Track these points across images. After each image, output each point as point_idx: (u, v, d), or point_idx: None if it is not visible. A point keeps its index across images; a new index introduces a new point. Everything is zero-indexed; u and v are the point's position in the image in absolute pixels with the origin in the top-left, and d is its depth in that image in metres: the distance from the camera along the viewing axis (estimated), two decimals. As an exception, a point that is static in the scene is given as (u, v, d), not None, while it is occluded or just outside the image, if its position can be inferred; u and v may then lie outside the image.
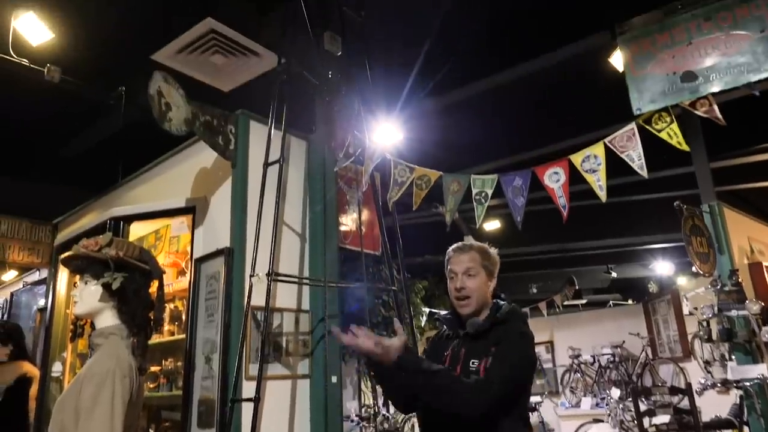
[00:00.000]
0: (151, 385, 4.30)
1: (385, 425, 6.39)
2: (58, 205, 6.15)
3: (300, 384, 3.61)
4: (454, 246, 2.28)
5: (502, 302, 2.21)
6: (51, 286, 5.29)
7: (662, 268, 10.66)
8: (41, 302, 6.50)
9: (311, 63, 3.91)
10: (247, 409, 3.18)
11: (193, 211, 3.94)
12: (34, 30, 4.83)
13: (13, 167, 7.19)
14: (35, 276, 6.93)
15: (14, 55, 4.96)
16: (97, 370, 2.03)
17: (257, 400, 3.12)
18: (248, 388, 3.23)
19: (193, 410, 3.48)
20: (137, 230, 4.63)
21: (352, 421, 6.34)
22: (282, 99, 3.70)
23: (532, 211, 3.56)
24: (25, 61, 5.07)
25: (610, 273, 11.57)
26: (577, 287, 10.72)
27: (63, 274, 5.14)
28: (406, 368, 1.92)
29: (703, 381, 5.20)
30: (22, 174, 7.35)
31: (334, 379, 3.60)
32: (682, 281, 9.67)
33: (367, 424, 6.26)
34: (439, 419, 2.05)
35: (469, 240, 2.42)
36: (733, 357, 5.09)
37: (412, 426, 8.36)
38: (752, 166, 7.13)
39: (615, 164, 3.30)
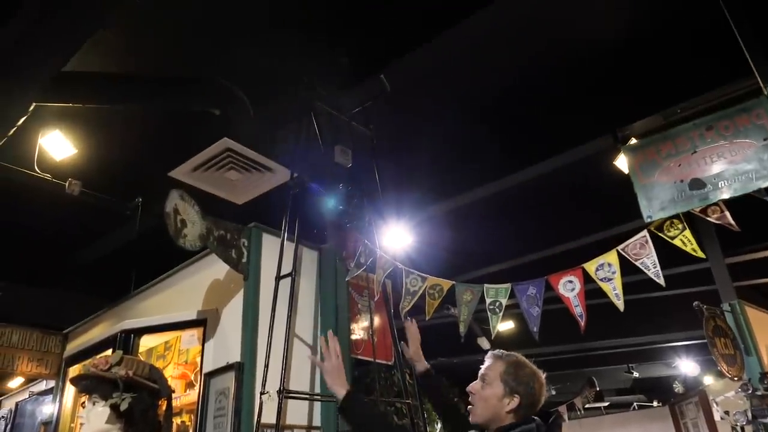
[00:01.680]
0: None
1: None
2: (69, 313, 6.14)
3: None
4: (491, 351, 2.21)
5: (520, 426, 2.00)
6: (58, 399, 5.16)
7: (686, 366, 10.23)
8: (45, 412, 6.33)
9: (322, 176, 4.02)
10: None
11: (204, 323, 3.90)
12: (59, 146, 5.05)
13: (27, 275, 7.27)
14: (41, 386, 6.79)
15: (38, 171, 5.15)
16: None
17: None
18: None
19: None
20: (147, 341, 4.58)
21: None
22: (294, 212, 3.77)
23: (547, 310, 3.49)
24: (48, 176, 5.25)
25: (632, 372, 11.12)
26: (598, 388, 10.26)
27: (71, 386, 5.04)
28: None
29: (744, 497, 4.86)
30: (35, 282, 7.42)
31: (347, 504, 3.39)
32: (709, 380, 9.26)
33: None
34: None
35: (505, 354, 2.29)
36: (775, 469, 4.78)
37: None
38: (771, 260, 7.03)
39: (630, 261, 3.26)
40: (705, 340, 5.22)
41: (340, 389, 2.21)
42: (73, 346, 5.59)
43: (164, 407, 2.48)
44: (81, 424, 2.32)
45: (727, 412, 5.64)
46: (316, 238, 4.12)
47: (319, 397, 3.63)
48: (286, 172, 4.06)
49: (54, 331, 6.16)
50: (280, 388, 3.28)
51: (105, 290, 6.00)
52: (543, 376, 2.14)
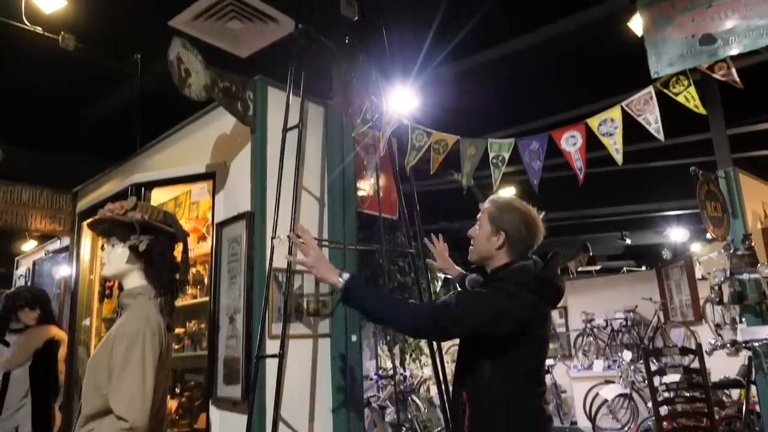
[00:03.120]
0: (176, 347, 4.43)
1: (401, 387, 6.58)
2: (77, 174, 6.22)
3: (321, 343, 3.72)
4: (490, 197, 2.35)
5: (518, 263, 2.17)
6: (74, 253, 5.40)
7: (676, 234, 10.67)
8: (63, 270, 6.62)
9: (328, 28, 3.91)
10: (271, 365, 3.30)
11: (213, 176, 4.00)
12: (46, -4, 4.81)
13: (31, 137, 7.27)
14: (56, 245, 7.05)
15: (28, 23, 4.97)
16: (128, 331, 2.13)
17: (282, 356, 3.22)
18: (272, 346, 3.35)
19: (218, 368, 3.61)
20: (157, 196, 4.71)
21: (371, 379, 6.55)
22: (299, 65, 3.72)
23: (547, 178, 3.59)
24: (39, 29, 5.07)
25: (625, 240, 11.59)
26: (591, 254, 10.75)
27: (86, 240, 5.24)
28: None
29: (713, 342, 5.28)
30: (40, 144, 7.44)
31: (354, 338, 3.70)
32: (696, 248, 9.69)
33: (385, 383, 6.47)
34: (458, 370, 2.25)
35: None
36: (743, 319, 5.16)
37: (428, 388, 8.58)
38: (769, 132, 7.06)
39: (632, 130, 3.31)
40: (696, 210, 5.39)
41: (333, 276, 2.10)
42: (85, 203, 5.74)
43: (181, 250, 2.58)
44: (102, 264, 2.41)
45: (709, 272, 5.96)
46: (322, 94, 4.10)
47: (327, 243, 3.83)
48: (291, 23, 3.94)
49: (63, 190, 6.28)
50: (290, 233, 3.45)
51: (111, 150, 6.05)
52: (535, 216, 2.25)
